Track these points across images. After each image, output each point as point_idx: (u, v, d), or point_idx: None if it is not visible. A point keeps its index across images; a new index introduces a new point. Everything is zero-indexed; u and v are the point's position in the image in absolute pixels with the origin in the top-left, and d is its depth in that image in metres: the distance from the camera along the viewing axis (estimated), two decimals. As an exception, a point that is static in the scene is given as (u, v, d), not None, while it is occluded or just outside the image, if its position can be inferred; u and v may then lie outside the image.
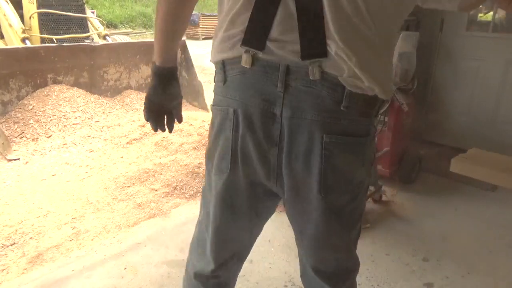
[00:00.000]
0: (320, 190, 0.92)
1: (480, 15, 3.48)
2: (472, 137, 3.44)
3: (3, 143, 3.31)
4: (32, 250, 2.17)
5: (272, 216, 2.80)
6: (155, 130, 1.19)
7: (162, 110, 1.16)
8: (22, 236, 2.28)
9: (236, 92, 0.94)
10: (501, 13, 3.35)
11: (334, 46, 0.85)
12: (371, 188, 2.69)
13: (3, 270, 2.02)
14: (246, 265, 2.09)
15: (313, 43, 0.85)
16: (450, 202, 2.78)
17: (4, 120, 3.68)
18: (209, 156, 1.05)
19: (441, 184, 3.05)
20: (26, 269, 2.04)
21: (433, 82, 3.64)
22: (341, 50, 0.85)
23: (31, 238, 2.27)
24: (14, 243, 2.22)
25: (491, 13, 3.34)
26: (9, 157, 3.26)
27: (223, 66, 0.96)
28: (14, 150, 3.37)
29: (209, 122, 1.06)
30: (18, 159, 3.26)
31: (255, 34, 0.89)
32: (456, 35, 3.45)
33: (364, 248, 2.25)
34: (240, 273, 2.02)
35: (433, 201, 2.80)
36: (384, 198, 2.76)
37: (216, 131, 1.00)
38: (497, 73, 3.33)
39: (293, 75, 0.87)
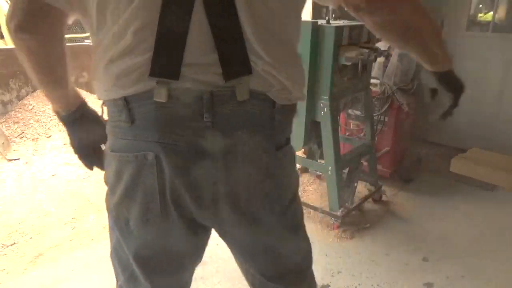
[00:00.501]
0: (269, 207, 0.89)
1: (480, 15, 3.49)
2: (472, 137, 3.44)
3: (3, 143, 3.31)
4: (32, 250, 2.17)
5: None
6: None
7: (98, 145, 1.03)
8: (22, 236, 2.28)
9: (153, 133, 0.78)
10: (501, 13, 3.36)
11: (259, 61, 0.78)
12: (371, 188, 2.69)
13: (3, 270, 2.02)
14: (246, 265, 2.10)
15: (236, 61, 0.77)
16: (450, 202, 2.78)
17: (4, 120, 3.68)
18: (119, 213, 0.88)
19: (441, 184, 3.05)
20: (26, 269, 2.04)
21: (433, 82, 3.63)
22: (268, 65, 0.79)
23: (31, 238, 2.27)
24: (14, 243, 2.22)
25: (491, 13, 3.34)
26: (9, 157, 3.26)
27: (126, 104, 0.78)
28: (14, 150, 3.37)
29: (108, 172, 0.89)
30: (18, 159, 3.26)
31: (166, 61, 0.75)
32: (456, 35, 3.45)
33: (364, 248, 2.25)
34: (240, 273, 2.03)
35: (433, 201, 2.80)
36: (384, 198, 2.76)
37: (129, 184, 0.83)
38: (497, 73, 3.33)
39: (220, 101, 0.77)
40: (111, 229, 0.95)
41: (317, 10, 3.10)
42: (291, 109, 0.89)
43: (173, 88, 0.76)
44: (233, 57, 0.77)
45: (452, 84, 1.08)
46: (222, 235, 0.95)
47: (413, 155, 3.03)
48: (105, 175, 0.92)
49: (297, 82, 0.87)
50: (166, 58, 0.75)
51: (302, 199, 2.63)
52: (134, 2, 0.73)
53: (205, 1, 0.74)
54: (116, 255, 0.96)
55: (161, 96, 0.76)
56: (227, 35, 0.76)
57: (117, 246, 0.94)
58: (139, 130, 0.80)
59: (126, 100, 0.78)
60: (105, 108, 0.88)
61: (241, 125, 0.80)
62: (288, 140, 0.93)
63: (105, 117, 0.88)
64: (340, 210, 2.32)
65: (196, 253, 0.99)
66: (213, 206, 0.86)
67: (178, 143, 0.79)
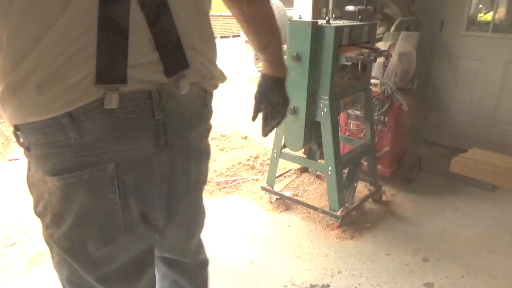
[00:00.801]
0: (200, 187, 1.01)
1: (480, 15, 3.49)
2: (472, 137, 3.44)
3: (3, 143, 3.31)
4: (32, 250, 2.17)
5: (271, 216, 2.80)
6: None
7: None
8: (22, 236, 2.28)
9: (109, 142, 0.76)
10: (501, 13, 3.36)
11: (193, 53, 0.83)
12: (371, 188, 2.69)
13: (3, 270, 2.02)
14: (246, 265, 2.10)
15: (175, 57, 0.80)
16: (450, 202, 2.78)
17: (4, 120, 3.67)
18: (73, 243, 0.83)
19: (441, 184, 3.05)
20: (26, 269, 2.04)
21: (433, 82, 3.64)
22: (202, 57, 0.85)
23: (31, 238, 2.27)
24: (14, 243, 2.22)
25: (491, 13, 3.34)
26: (9, 157, 3.26)
27: (71, 119, 0.73)
28: (14, 150, 3.37)
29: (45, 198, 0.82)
30: (18, 159, 3.26)
31: (111, 65, 0.73)
32: (456, 35, 3.45)
33: (364, 248, 2.25)
34: (240, 273, 2.03)
35: (433, 201, 2.80)
36: (384, 198, 2.76)
37: (84, 206, 0.79)
38: (497, 73, 3.33)
39: (166, 97, 0.80)
40: (59, 263, 0.88)
41: (317, 10, 3.10)
42: (213, 94, 0.97)
43: (122, 93, 0.74)
44: (172, 54, 0.80)
45: (285, 92, 1.16)
46: (162, 230, 0.97)
47: (413, 155, 3.03)
48: (37, 206, 0.85)
49: (217, 64, 0.94)
50: (111, 63, 0.73)
51: (302, 199, 2.65)
52: (67, 9, 0.68)
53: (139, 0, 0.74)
54: (74, 286, 0.90)
55: (112, 102, 0.73)
56: (164, 33, 0.78)
57: (72, 278, 0.88)
58: (92, 143, 0.75)
59: (70, 116, 0.73)
60: (20, 133, 0.79)
61: (186, 117, 0.86)
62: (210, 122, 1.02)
63: (22, 142, 0.79)
64: (340, 210, 2.32)
65: (153, 247, 1.00)
66: (168, 200, 0.90)
67: (137, 147, 0.78)
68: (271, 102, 1.14)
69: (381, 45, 2.80)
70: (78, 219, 0.80)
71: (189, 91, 0.84)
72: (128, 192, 0.80)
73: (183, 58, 0.81)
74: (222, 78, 0.96)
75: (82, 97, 0.72)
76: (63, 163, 0.77)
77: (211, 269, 2.13)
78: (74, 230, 0.82)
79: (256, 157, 3.32)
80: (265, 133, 1.18)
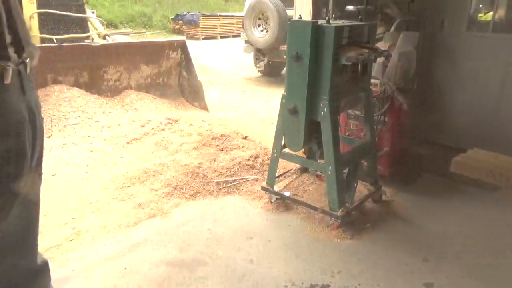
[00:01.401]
0: None
1: (480, 15, 3.49)
2: (472, 137, 3.44)
3: (3, 143, 3.31)
4: None
5: (271, 216, 2.80)
6: None
7: None
8: (22, 236, 2.28)
9: (13, 113, 0.92)
10: (501, 13, 3.36)
11: (27, 38, 0.98)
12: (371, 188, 2.69)
13: None
14: (246, 265, 2.10)
15: (19, 40, 0.94)
16: (450, 203, 2.78)
17: None
18: None
19: (441, 184, 3.05)
20: (26, 269, 2.04)
21: (433, 82, 3.64)
22: (30, 39, 1.01)
23: None
24: None
25: (491, 13, 3.34)
26: (9, 157, 3.26)
27: None
28: (14, 150, 3.37)
29: None
30: None
31: (2, 43, 0.87)
32: (456, 35, 3.45)
33: (364, 248, 2.25)
34: (240, 273, 2.03)
35: (433, 201, 2.79)
36: (384, 198, 2.76)
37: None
38: (497, 73, 3.33)
39: (24, 75, 0.96)
40: None
41: (317, 10, 3.10)
42: None
43: (10, 69, 0.86)
44: (18, 37, 0.92)
45: None
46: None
47: (413, 155, 3.03)
48: None
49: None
50: (1, 42, 0.85)
51: (302, 199, 2.65)
52: None
53: None
54: None
55: (8, 78, 0.85)
56: (12, 18, 0.90)
57: None
58: None
59: None
60: None
61: (34, 92, 1.03)
62: None
63: None
64: (340, 210, 2.32)
65: None
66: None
67: (21, 115, 0.92)
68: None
69: (381, 45, 2.81)
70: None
71: (30, 71, 1.00)
72: (24, 150, 0.95)
73: (20, 41, 0.94)
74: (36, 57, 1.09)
75: None
76: None
77: (211, 269, 2.12)
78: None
79: (256, 157, 3.31)
80: None
